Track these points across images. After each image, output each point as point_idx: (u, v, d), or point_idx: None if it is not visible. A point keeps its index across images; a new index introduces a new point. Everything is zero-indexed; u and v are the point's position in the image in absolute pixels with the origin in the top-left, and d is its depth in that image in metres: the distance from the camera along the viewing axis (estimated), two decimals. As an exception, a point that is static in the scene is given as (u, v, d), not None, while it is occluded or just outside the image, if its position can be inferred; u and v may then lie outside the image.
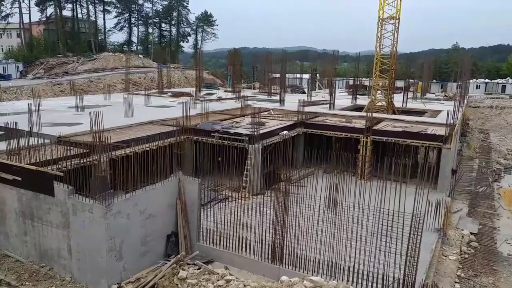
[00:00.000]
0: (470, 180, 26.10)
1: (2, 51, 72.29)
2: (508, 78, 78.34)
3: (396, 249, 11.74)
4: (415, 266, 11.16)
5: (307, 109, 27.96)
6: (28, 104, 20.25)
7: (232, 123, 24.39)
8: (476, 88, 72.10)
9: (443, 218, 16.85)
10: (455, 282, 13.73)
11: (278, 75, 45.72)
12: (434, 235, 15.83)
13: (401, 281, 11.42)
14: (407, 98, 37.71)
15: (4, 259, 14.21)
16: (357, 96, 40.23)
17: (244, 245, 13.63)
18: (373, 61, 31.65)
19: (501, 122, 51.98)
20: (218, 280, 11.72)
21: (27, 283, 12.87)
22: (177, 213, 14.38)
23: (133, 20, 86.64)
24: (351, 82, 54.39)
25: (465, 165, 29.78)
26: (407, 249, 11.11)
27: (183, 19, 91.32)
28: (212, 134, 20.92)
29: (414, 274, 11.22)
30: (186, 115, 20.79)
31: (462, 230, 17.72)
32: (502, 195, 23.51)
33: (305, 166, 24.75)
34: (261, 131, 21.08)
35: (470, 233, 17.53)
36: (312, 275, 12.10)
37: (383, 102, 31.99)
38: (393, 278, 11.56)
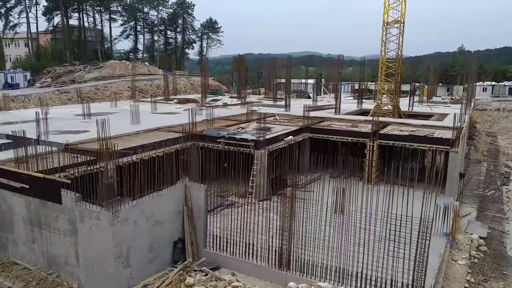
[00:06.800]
0: (478, 183, 25.85)
1: (10, 61, 73.13)
2: (515, 80, 77.76)
3: (404, 254, 11.63)
4: (423, 271, 11.06)
5: (312, 114, 27.94)
6: (36, 112, 20.43)
7: (238, 128, 24.42)
8: (483, 90, 71.53)
9: (451, 222, 16.69)
10: (465, 287, 13.57)
11: (283, 80, 45.78)
12: (442, 239, 15.67)
13: (409, 287, 11.31)
14: (413, 102, 37.56)
15: (12, 266, 14.30)
16: (363, 100, 40.14)
17: (250, 251, 13.59)
18: (378, 65, 31.62)
19: (508, 124, 51.50)
20: (225, 287, 11.70)
21: (35, 290, 12.93)
22: (183, 219, 14.38)
23: (138, 28, 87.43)
24: (356, 87, 54.30)
25: (473, 168, 29.51)
26: (415, 254, 11.02)
27: (188, 26, 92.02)
28: (218, 140, 20.95)
29: (423, 279, 11.12)
30: (192, 122, 20.88)
31: (471, 234, 17.53)
32: (511, 198, 23.24)
33: (312, 171, 24.68)
34: (267, 137, 21.09)
35: (479, 237, 17.33)
36: (319, 281, 12.04)
37: (389, 106, 31.88)
38: (402, 283, 11.46)
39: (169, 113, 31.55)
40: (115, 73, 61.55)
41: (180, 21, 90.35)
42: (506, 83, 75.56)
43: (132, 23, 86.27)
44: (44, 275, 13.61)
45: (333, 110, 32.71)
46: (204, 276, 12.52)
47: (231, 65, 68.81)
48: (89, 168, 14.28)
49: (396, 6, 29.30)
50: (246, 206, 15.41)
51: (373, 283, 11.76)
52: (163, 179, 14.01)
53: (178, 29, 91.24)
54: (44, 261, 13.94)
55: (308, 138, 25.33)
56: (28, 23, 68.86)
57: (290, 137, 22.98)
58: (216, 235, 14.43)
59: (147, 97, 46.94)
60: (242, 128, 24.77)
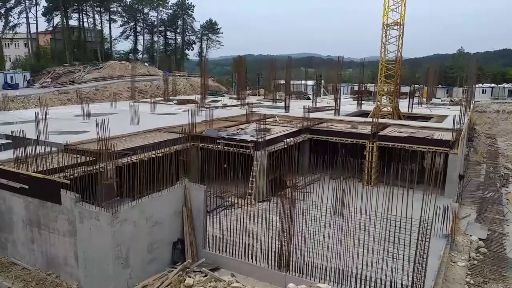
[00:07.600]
0: (477, 185, 25.87)
1: (10, 61, 73.09)
2: (515, 82, 77.88)
3: (404, 255, 11.63)
4: (423, 273, 11.06)
5: (312, 115, 27.95)
6: (35, 112, 20.43)
7: (238, 129, 24.42)
8: (482, 92, 71.68)
9: (451, 224, 16.70)
10: (464, 288, 13.59)
11: (283, 81, 45.81)
12: (442, 241, 15.67)
13: (409, 288, 11.31)
14: (412, 104, 37.59)
15: (12, 267, 14.27)
16: (363, 101, 40.16)
17: (250, 252, 13.58)
18: (378, 66, 31.65)
19: (508, 126, 51.56)
20: (224, 288, 11.67)
21: (34, 291, 12.90)
22: (183, 220, 14.37)
23: (138, 28, 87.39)
24: (356, 88, 54.36)
25: (472, 170, 29.53)
26: (415, 256, 11.02)
27: (188, 27, 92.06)
28: (218, 141, 20.96)
29: (422, 281, 11.11)
30: (191, 122, 20.88)
31: (471, 236, 17.54)
32: (510, 200, 23.26)
33: (311, 172, 24.69)
34: (267, 138, 21.09)
35: (479, 239, 17.34)
36: (319, 282, 12.03)
37: (389, 108, 31.91)
38: (401, 285, 11.46)
39: (168, 114, 31.54)
40: (115, 74, 61.55)
41: (180, 22, 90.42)
42: (506, 85, 75.72)
43: (132, 24, 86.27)
44: (43, 275, 13.59)
45: (333, 111, 32.73)
46: (204, 277, 12.50)
47: (231, 66, 68.87)
48: (88, 169, 14.27)
49: (396, 8, 29.35)
50: (245, 207, 15.40)
51: (372, 284, 11.75)
52: (162, 180, 13.98)
53: (178, 30, 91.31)
54: (43, 261, 13.91)
55: (308, 139, 25.33)
56: (28, 23, 68.91)
57: (290, 138, 22.99)
58: (216, 236, 14.42)
59: (146, 98, 46.92)
60: (242, 129, 24.77)
